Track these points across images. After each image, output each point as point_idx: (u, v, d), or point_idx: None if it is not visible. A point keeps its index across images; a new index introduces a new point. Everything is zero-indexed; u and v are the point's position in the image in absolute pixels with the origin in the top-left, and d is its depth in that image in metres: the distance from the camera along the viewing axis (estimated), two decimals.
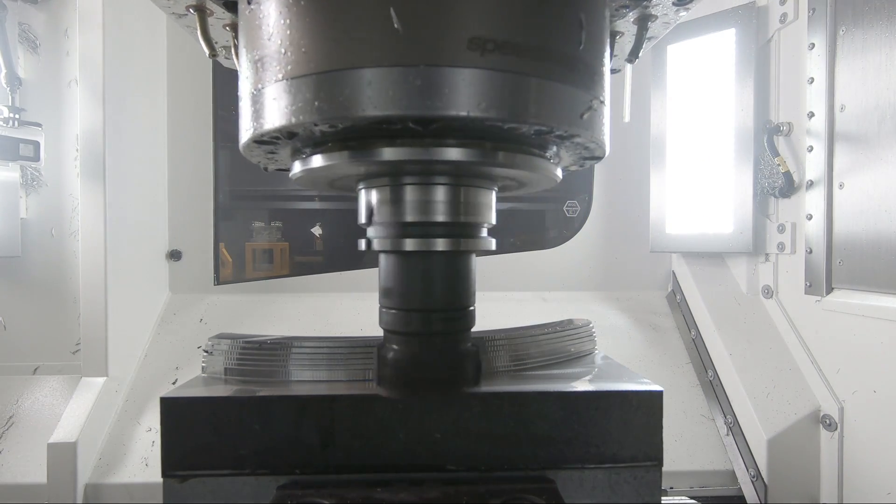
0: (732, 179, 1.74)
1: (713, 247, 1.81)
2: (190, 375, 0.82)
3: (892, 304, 1.30)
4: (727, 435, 1.59)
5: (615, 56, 0.80)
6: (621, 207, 2.22)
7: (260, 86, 0.49)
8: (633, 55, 0.78)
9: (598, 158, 0.63)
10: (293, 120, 0.46)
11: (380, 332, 0.69)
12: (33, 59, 1.81)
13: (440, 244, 0.59)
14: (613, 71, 1.01)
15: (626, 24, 0.74)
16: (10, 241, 1.75)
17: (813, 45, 1.54)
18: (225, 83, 2.07)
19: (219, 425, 0.66)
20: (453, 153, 0.50)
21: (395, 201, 0.59)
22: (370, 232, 0.63)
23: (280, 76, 0.47)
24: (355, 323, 1.96)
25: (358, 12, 0.45)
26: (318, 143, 0.53)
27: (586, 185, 2.27)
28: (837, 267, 1.48)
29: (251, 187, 2.54)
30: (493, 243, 0.66)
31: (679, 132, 1.90)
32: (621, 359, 0.89)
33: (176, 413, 0.66)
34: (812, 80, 1.54)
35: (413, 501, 0.63)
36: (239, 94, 0.54)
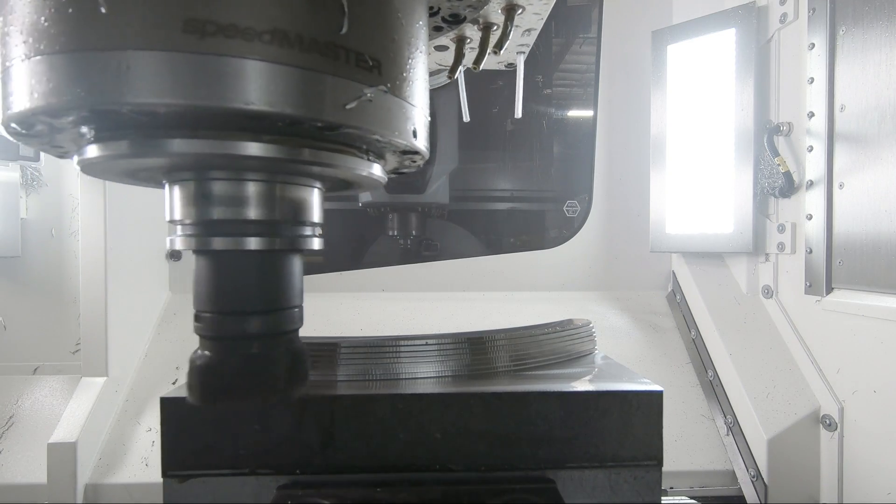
0: (732, 179, 1.74)
1: (713, 247, 1.81)
2: None
3: (892, 304, 1.30)
4: (727, 435, 1.59)
5: (494, 52, 0.80)
6: (621, 207, 2.22)
7: (2, 66, 0.46)
8: (497, 46, 0.77)
9: (414, 153, 0.60)
10: (21, 108, 0.43)
11: (381, 331, 0.69)
12: None
13: (250, 243, 0.55)
14: (509, 66, 1.02)
15: (498, 16, 0.73)
16: (10, 241, 1.75)
17: (813, 45, 1.54)
18: None
19: (219, 425, 0.66)
20: (239, 147, 0.47)
21: (197, 197, 0.55)
22: (177, 230, 0.59)
23: (12, 57, 0.44)
24: (355, 323, 1.96)
25: None
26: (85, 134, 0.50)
27: (586, 184, 2.27)
28: (837, 267, 1.48)
29: None
30: (314, 242, 0.62)
31: (679, 132, 1.90)
32: (621, 359, 0.89)
33: (176, 413, 0.66)
34: (812, 80, 1.54)
35: (413, 501, 0.63)
36: None
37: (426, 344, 0.75)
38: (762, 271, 1.77)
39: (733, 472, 1.55)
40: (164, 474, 0.66)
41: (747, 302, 1.79)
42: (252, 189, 0.55)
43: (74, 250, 1.78)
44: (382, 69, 0.51)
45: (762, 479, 1.45)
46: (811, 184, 1.55)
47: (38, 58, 0.42)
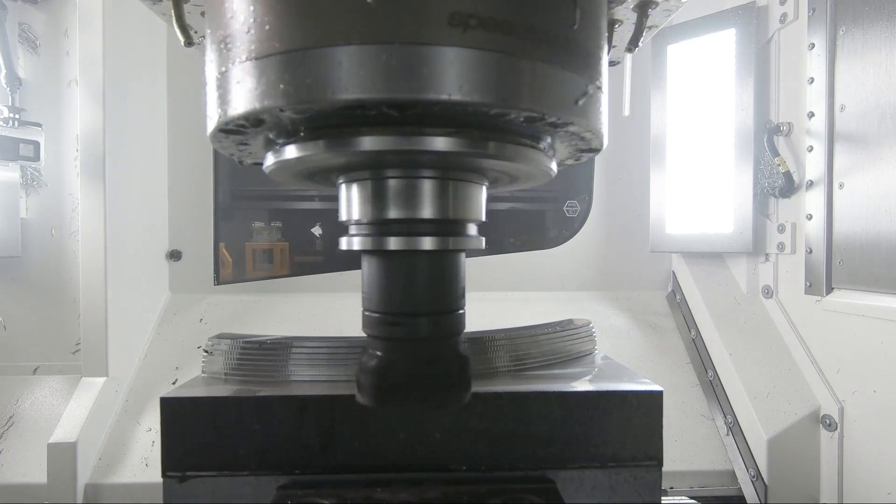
0: (732, 179, 1.74)
1: (713, 247, 1.81)
2: (190, 375, 0.82)
3: (892, 304, 1.30)
4: (727, 435, 1.59)
5: (614, 47, 0.78)
6: (621, 207, 2.22)
7: (224, 68, 0.45)
8: (632, 44, 0.74)
9: (596, 150, 0.59)
10: (258, 105, 0.43)
11: None
12: (33, 59, 1.81)
13: (426, 243, 0.54)
14: (612, 63, 0.99)
15: (626, 12, 0.71)
16: (10, 241, 1.75)
17: (813, 45, 1.54)
18: None
19: (219, 425, 0.66)
20: (438, 143, 0.45)
21: (377, 196, 0.55)
22: (351, 230, 0.59)
23: (244, 57, 0.43)
24: (355, 323, 1.95)
25: None
26: (290, 133, 0.49)
27: (586, 184, 2.27)
28: (837, 267, 1.48)
29: (251, 187, 2.54)
30: (482, 242, 0.61)
31: (679, 132, 1.90)
32: (621, 359, 0.89)
33: (176, 413, 0.66)
34: (812, 80, 1.54)
35: (413, 501, 0.63)
36: (205, 78, 0.50)
37: None
38: (762, 271, 1.77)
39: (733, 472, 1.55)
40: (163, 474, 0.66)
41: (747, 302, 1.79)
42: (427, 187, 0.54)
43: (74, 250, 1.78)
44: (599, 66, 0.50)
45: (762, 479, 1.45)
46: (811, 184, 1.55)
47: (289, 54, 0.41)
